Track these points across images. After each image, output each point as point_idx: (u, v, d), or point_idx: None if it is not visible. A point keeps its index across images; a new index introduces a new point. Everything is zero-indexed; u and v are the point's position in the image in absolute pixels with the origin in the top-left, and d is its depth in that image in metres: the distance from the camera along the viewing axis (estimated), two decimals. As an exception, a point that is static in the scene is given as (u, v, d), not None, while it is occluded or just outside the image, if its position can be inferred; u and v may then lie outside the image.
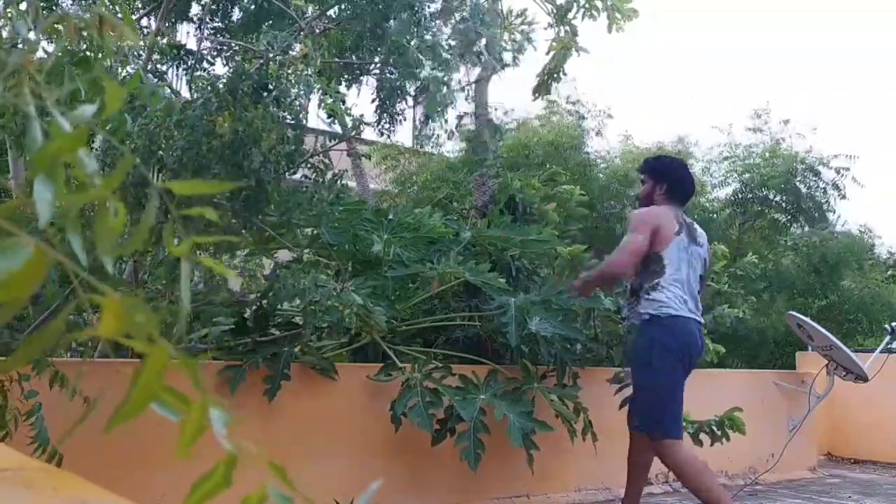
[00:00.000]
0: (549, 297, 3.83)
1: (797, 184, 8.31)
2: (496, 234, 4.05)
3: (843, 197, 8.37)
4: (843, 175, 8.33)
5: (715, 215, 8.37)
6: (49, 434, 2.31)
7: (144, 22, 4.85)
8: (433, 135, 4.51)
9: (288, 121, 3.24)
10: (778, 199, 8.50)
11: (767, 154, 8.52)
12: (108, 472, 2.78)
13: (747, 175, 8.54)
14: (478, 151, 4.64)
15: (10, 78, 0.56)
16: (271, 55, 3.12)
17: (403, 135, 8.74)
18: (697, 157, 9.15)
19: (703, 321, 3.35)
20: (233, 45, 4.10)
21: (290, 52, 3.19)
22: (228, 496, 0.53)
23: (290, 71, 3.08)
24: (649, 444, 3.28)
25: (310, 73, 3.12)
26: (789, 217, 8.51)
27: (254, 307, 3.60)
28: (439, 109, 4.03)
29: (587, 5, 3.97)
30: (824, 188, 8.37)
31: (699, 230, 3.46)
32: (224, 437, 0.48)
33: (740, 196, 8.59)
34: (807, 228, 8.37)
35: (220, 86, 3.15)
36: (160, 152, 2.98)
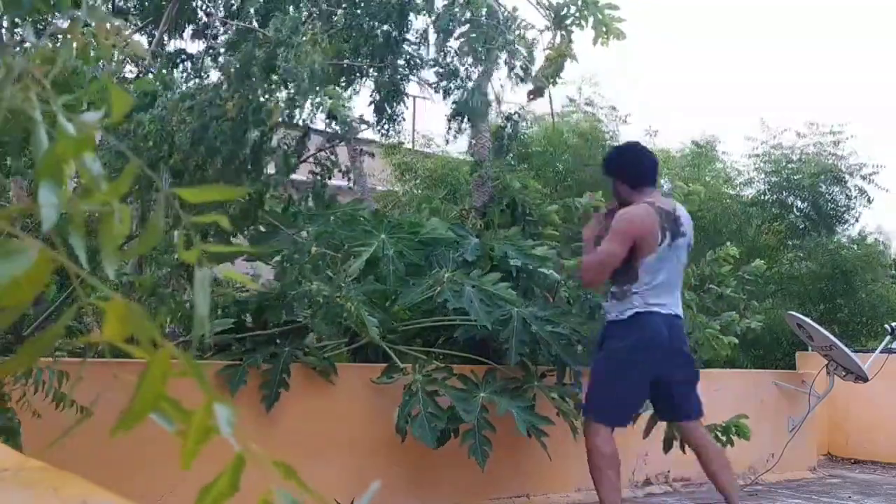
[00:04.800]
0: (554, 313, 3.87)
1: (823, 191, 8.28)
2: (501, 249, 4.08)
3: (870, 201, 8.33)
4: (869, 181, 8.30)
5: (740, 211, 8.32)
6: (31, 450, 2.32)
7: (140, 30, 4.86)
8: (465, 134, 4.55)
9: (292, 94, 3.27)
10: (799, 203, 8.47)
11: (798, 159, 8.44)
12: (108, 473, 2.78)
13: (774, 179, 8.50)
14: (500, 150, 4.65)
15: (16, 82, 0.56)
16: (280, 37, 3.14)
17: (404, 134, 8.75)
18: (731, 152, 9.11)
19: (678, 313, 3.29)
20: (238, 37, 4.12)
21: (302, 36, 3.20)
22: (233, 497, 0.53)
23: (296, 50, 3.10)
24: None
25: (316, 48, 3.14)
26: (809, 222, 8.45)
27: (253, 309, 3.60)
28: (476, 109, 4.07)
29: (577, 14, 3.98)
30: (848, 195, 8.34)
31: (683, 216, 3.36)
32: (231, 435, 0.48)
33: (763, 197, 8.56)
34: (824, 235, 8.28)
35: (231, 71, 3.19)
36: (173, 139, 3.03)
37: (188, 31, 4.75)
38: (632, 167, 3.38)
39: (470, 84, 4.31)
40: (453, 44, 4.22)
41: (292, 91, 3.21)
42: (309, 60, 3.02)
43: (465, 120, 4.37)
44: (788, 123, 14.41)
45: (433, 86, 4.44)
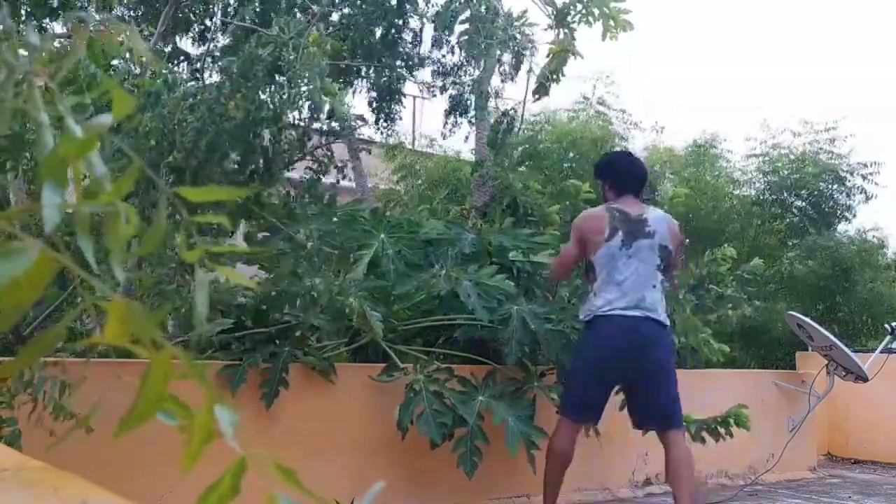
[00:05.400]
0: (553, 310, 3.88)
1: (822, 190, 8.29)
2: (499, 241, 4.08)
3: (869, 198, 8.33)
4: (868, 180, 8.30)
5: (742, 211, 8.32)
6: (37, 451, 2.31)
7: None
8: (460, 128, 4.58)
9: (300, 100, 3.30)
10: (799, 203, 8.48)
11: (796, 158, 8.43)
12: (108, 473, 2.78)
13: (774, 179, 8.50)
14: (494, 144, 4.65)
15: (19, 84, 0.56)
16: (284, 39, 3.15)
17: (404, 134, 8.76)
18: (735, 151, 9.12)
19: (648, 314, 3.19)
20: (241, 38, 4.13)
21: (302, 37, 3.21)
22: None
23: (302, 52, 3.11)
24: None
25: (318, 52, 3.15)
26: (808, 221, 8.44)
27: (252, 310, 3.59)
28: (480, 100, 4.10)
29: (584, 10, 3.99)
30: (848, 193, 8.34)
31: (653, 219, 3.30)
32: (231, 438, 0.48)
33: (762, 197, 8.56)
34: (823, 233, 8.28)
35: (234, 70, 3.20)
36: (173, 137, 3.05)
37: (186, 32, 4.76)
38: (619, 175, 3.45)
39: (466, 79, 4.33)
40: (452, 40, 4.24)
41: (295, 92, 3.22)
42: (315, 62, 3.04)
43: (461, 115, 4.39)
44: (790, 121, 14.37)
45: (430, 86, 4.46)
